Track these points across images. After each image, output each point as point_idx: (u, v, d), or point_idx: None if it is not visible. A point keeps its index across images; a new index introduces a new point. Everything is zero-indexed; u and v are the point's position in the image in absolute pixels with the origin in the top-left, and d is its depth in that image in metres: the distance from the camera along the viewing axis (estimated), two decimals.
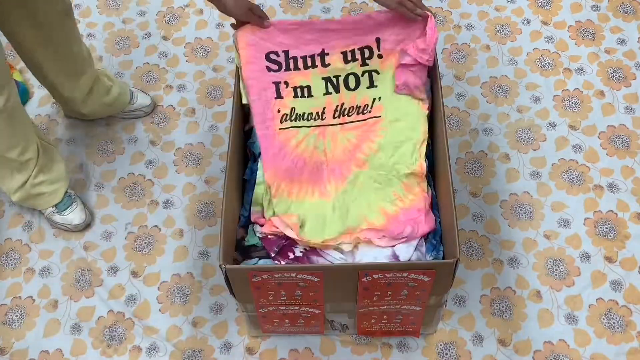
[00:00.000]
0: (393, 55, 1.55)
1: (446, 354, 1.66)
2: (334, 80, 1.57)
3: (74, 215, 1.84)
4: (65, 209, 1.84)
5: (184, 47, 2.23)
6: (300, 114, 1.55)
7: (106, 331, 1.72)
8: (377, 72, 1.56)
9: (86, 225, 1.87)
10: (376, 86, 1.56)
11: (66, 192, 1.85)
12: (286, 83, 1.55)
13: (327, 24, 1.56)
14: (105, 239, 1.87)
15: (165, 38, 2.26)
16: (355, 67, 1.56)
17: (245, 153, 1.61)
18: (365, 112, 1.56)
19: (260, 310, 1.48)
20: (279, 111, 1.54)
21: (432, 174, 1.57)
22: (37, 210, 1.91)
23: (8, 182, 1.77)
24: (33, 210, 1.92)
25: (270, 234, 1.47)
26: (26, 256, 1.85)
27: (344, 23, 1.56)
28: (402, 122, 1.54)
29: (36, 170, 1.76)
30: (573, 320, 1.69)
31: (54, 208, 1.84)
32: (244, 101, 1.56)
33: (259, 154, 1.54)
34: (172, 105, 2.10)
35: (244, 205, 1.55)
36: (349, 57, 1.56)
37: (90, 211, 1.90)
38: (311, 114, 1.56)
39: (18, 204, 1.88)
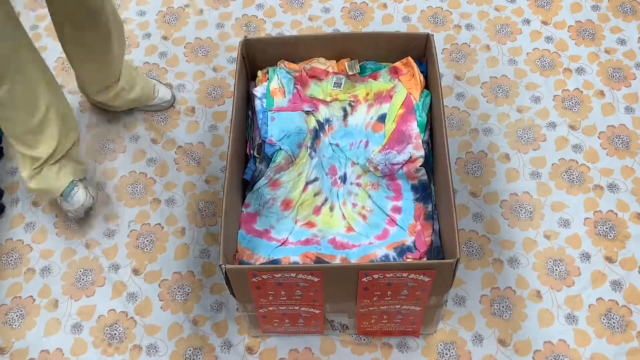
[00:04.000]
0: None
1: (446, 354, 1.66)
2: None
3: (74, 200, 1.79)
4: (69, 195, 1.79)
5: (184, 47, 2.24)
6: None
7: (107, 330, 1.73)
8: None
9: (87, 210, 1.82)
10: None
11: (72, 180, 1.80)
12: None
13: None
14: (107, 237, 1.87)
15: (165, 38, 2.26)
16: None
17: (245, 153, 1.62)
18: None
19: (260, 310, 1.48)
20: None
21: (432, 174, 1.57)
22: (39, 211, 1.92)
23: (24, 167, 1.73)
24: (35, 210, 1.92)
25: None
26: (27, 256, 1.85)
27: None
28: None
29: (45, 163, 1.73)
30: (573, 320, 1.69)
31: (61, 196, 1.80)
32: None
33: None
34: (172, 105, 2.11)
35: (244, 205, 1.55)
36: None
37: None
38: None
39: (33, 192, 1.85)
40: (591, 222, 1.83)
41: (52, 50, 2.25)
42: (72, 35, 1.74)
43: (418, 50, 1.65)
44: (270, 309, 1.48)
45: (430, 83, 1.62)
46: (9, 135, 1.69)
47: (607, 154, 1.95)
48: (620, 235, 1.81)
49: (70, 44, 1.78)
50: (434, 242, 1.48)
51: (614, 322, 1.69)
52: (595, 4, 2.26)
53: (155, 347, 1.70)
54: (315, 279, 1.34)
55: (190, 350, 1.69)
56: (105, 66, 1.85)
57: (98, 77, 1.90)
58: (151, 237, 1.87)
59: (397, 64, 1.65)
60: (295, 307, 1.47)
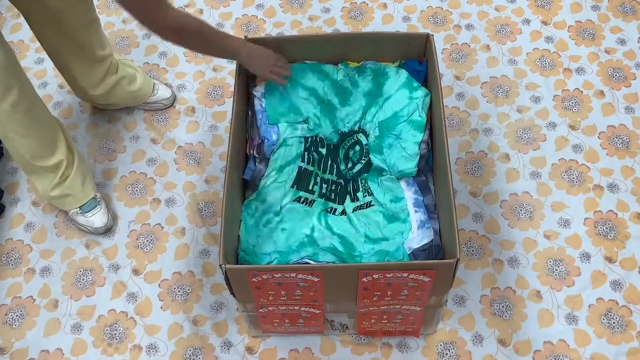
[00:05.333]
0: None
1: (446, 354, 1.66)
2: None
3: (96, 218, 1.83)
4: (89, 211, 1.83)
5: None
6: None
7: (107, 330, 1.73)
8: None
9: (107, 230, 1.86)
10: None
11: (94, 195, 1.85)
12: None
13: None
14: (107, 237, 1.87)
15: None
16: None
17: (245, 153, 1.62)
18: None
19: (260, 310, 1.48)
20: None
21: (432, 174, 1.58)
22: (39, 211, 1.92)
23: (40, 183, 1.77)
24: (35, 210, 1.92)
25: None
26: (27, 256, 1.85)
27: None
28: None
29: (66, 171, 1.76)
30: (573, 320, 1.69)
31: (78, 209, 1.83)
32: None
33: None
34: (172, 105, 2.11)
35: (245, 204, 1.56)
36: None
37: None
38: None
39: (49, 202, 1.89)
40: (591, 222, 1.83)
41: None
42: (50, 28, 1.70)
43: (418, 50, 1.65)
44: (270, 309, 1.48)
45: (430, 83, 1.62)
46: (24, 161, 1.69)
47: (607, 154, 1.95)
48: (620, 235, 1.81)
49: (52, 37, 1.73)
50: (434, 241, 1.48)
51: (614, 322, 1.69)
52: (595, 4, 2.26)
53: (155, 347, 1.70)
54: (315, 279, 1.34)
55: (190, 350, 1.69)
56: (90, 47, 1.81)
57: (87, 63, 1.85)
58: (151, 237, 1.87)
59: None
60: (295, 307, 1.47)
